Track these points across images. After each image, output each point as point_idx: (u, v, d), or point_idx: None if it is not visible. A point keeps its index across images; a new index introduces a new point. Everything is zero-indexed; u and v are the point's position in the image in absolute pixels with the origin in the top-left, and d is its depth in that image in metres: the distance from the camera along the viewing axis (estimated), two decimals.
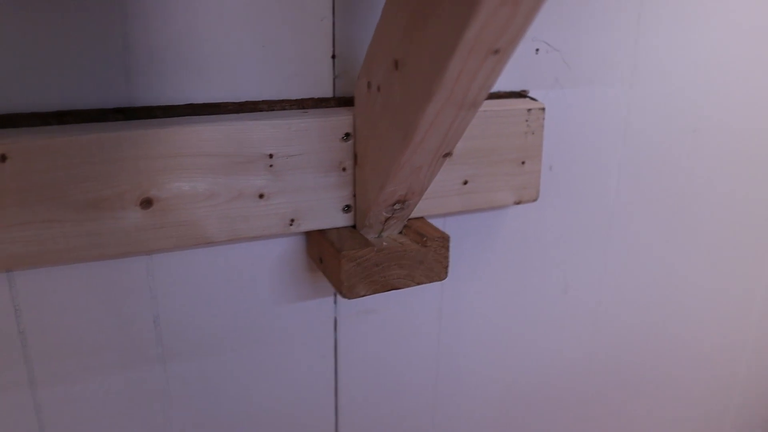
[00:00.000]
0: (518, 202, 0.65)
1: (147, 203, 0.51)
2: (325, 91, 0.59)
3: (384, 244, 0.56)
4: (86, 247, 0.50)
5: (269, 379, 0.66)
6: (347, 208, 0.58)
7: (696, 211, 0.88)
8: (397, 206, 0.55)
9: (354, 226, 0.58)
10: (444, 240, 0.57)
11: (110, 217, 0.50)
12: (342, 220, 0.58)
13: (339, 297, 0.66)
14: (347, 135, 0.55)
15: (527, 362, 0.83)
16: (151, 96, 0.53)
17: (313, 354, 0.67)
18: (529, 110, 0.62)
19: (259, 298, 0.62)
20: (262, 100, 0.57)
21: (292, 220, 0.56)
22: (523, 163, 0.63)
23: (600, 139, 0.75)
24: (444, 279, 0.58)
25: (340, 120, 0.55)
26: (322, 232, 0.58)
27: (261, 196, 0.54)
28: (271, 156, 0.53)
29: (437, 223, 0.66)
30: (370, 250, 0.54)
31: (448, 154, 0.50)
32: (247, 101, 0.56)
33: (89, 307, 0.56)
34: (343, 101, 0.59)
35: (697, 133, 0.83)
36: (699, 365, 1.01)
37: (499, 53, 0.40)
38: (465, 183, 0.61)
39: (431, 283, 0.67)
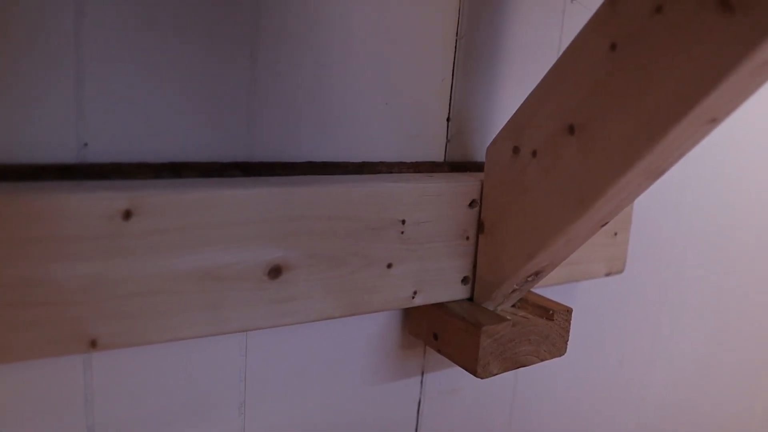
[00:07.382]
0: (608, 274, 0.64)
1: (276, 272, 0.44)
2: (438, 155, 0.55)
3: (509, 318, 0.52)
4: (203, 322, 0.42)
5: None
6: (465, 280, 0.53)
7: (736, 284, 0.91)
8: (530, 278, 0.51)
9: (470, 299, 0.54)
10: (568, 313, 0.54)
11: (233, 288, 0.42)
12: (460, 292, 0.53)
13: (426, 376, 0.60)
14: (473, 202, 0.52)
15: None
16: (271, 151, 0.48)
17: None
18: None
19: (349, 381, 0.55)
20: (380, 162, 0.52)
21: (415, 292, 0.51)
22: (615, 234, 0.63)
23: (657, 213, 0.77)
24: (564, 354, 0.55)
25: (469, 186, 0.52)
26: (439, 306, 0.53)
27: (389, 266, 0.49)
28: (403, 222, 0.49)
29: None
30: (506, 325, 0.50)
31: (605, 224, 0.48)
32: (365, 162, 0.51)
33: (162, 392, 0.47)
34: (455, 166, 0.56)
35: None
36: None
37: (715, 122, 0.39)
38: None
39: None
